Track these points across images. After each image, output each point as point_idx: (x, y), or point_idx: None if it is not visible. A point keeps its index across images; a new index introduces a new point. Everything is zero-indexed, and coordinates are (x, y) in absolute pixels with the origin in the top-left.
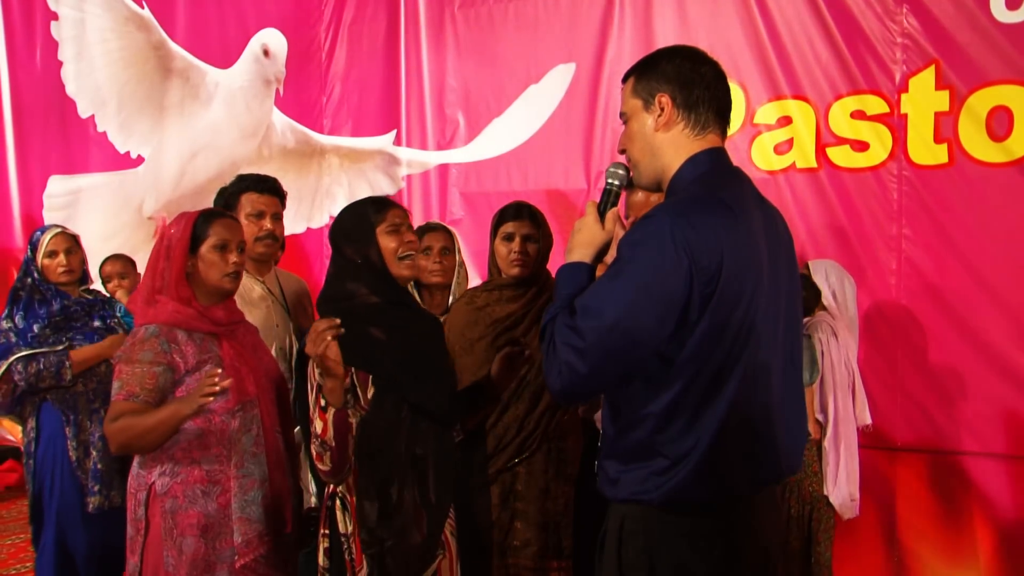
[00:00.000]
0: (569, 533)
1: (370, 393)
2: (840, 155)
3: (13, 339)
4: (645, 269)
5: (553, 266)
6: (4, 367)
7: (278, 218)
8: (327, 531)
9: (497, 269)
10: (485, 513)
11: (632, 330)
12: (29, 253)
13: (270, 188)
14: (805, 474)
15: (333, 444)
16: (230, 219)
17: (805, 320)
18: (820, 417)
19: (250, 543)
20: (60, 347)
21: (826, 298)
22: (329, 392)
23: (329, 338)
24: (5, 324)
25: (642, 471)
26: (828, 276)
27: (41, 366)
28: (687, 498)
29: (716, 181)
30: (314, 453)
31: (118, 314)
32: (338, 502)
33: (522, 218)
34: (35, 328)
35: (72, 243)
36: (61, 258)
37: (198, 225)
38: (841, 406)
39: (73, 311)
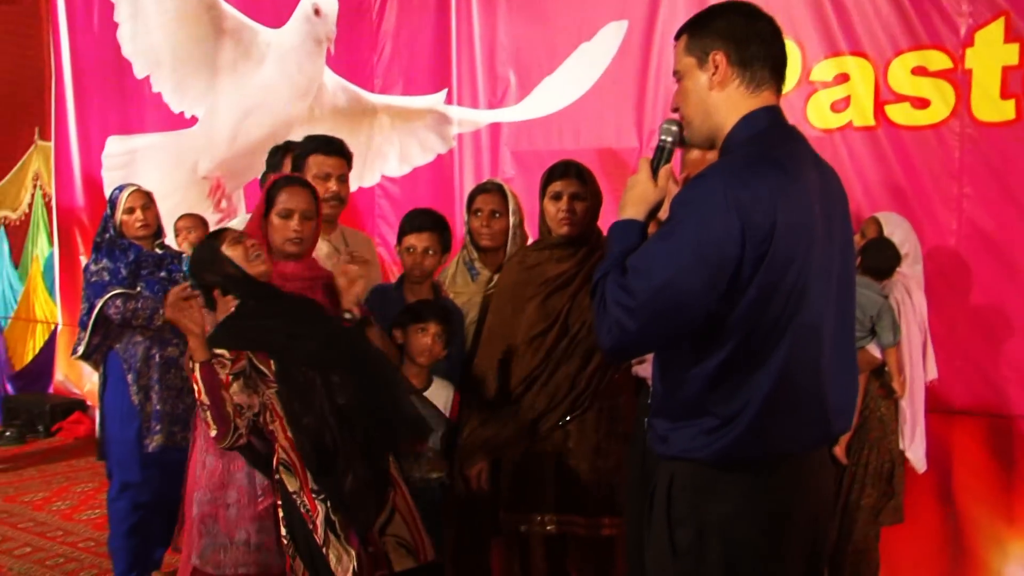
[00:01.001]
0: (621, 490)
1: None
2: (899, 112)
3: (107, 278)
4: (697, 229)
5: (603, 224)
6: (103, 300)
7: (343, 180)
8: (280, 501)
9: (547, 228)
10: (538, 471)
11: (683, 290)
12: (108, 210)
13: (336, 150)
14: (885, 433)
15: (208, 401)
16: (300, 187)
17: (883, 281)
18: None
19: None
20: (132, 291)
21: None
22: (193, 350)
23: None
24: (94, 267)
25: (691, 429)
26: (900, 232)
27: (139, 306)
28: (737, 456)
29: (771, 140)
30: (204, 422)
31: (183, 269)
32: (283, 468)
33: (570, 177)
34: (123, 271)
35: (147, 200)
36: (138, 214)
37: (271, 190)
38: (915, 365)
39: (144, 262)
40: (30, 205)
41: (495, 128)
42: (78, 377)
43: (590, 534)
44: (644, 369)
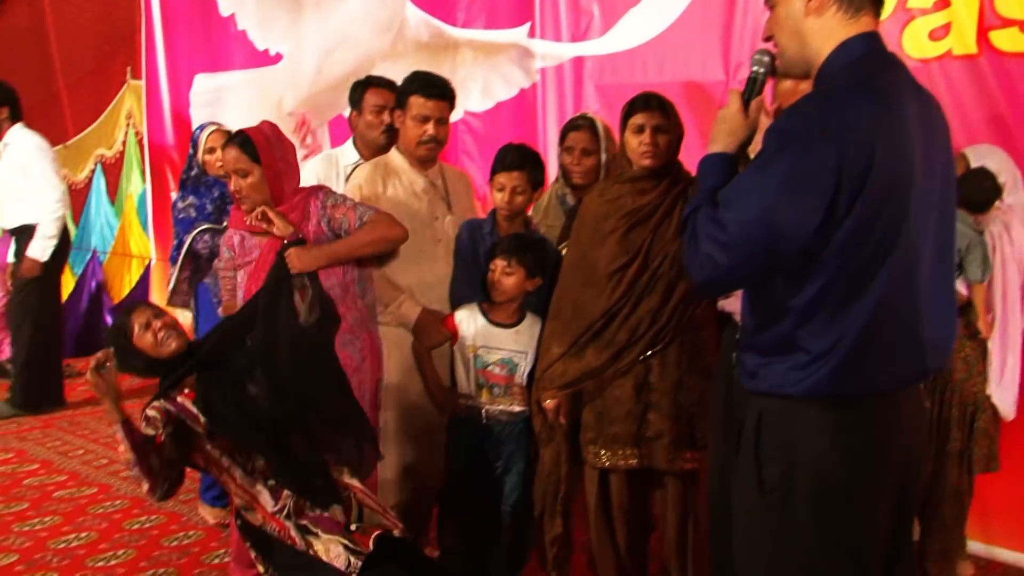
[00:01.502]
0: (704, 425)
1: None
2: (1005, 39)
3: (194, 214)
4: (792, 161)
5: (684, 158)
6: (192, 236)
7: (443, 122)
8: (251, 542)
9: (628, 161)
10: (619, 405)
11: (777, 224)
12: (191, 149)
13: (437, 93)
14: (969, 374)
15: (133, 459)
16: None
17: (980, 216)
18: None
19: None
20: (219, 226)
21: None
22: (107, 413)
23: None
24: (182, 203)
25: (782, 365)
26: (994, 161)
27: None
28: (828, 393)
29: (869, 68)
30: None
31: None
32: (242, 511)
33: (651, 109)
34: (209, 207)
35: (227, 138)
36: (218, 153)
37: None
38: (1010, 305)
39: (229, 197)
40: (124, 143)
41: (579, 62)
42: (172, 310)
43: (671, 468)
44: (730, 304)
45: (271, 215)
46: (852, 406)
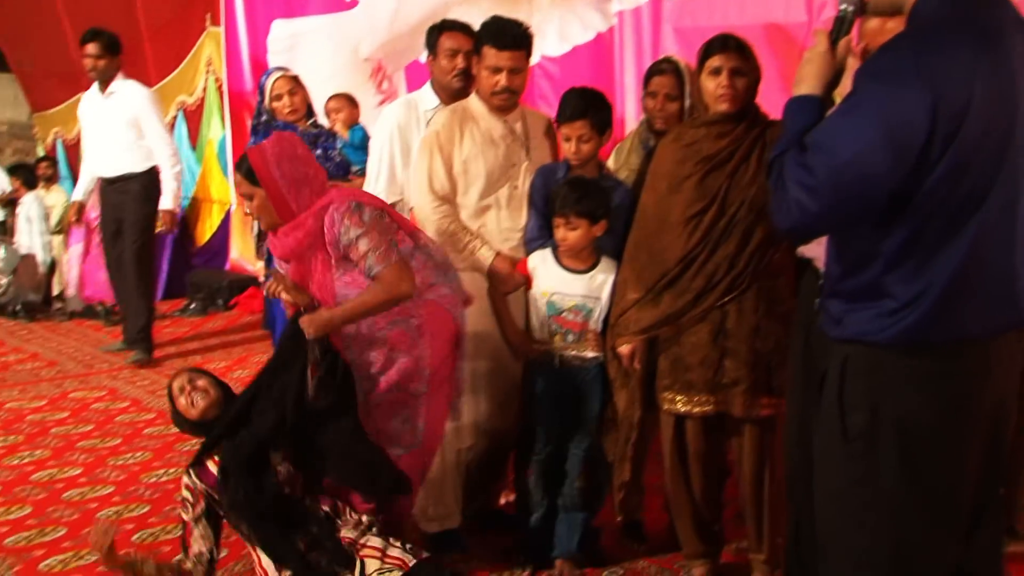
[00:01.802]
0: (781, 371)
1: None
2: None
3: None
4: (883, 103)
5: (763, 102)
6: None
7: (517, 71)
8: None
9: (704, 105)
10: (695, 352)
11: (867, 168)
12: (259, 96)
13: (510, 43)
14: None
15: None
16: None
17: None
18: None
19: None
20: None
21: None
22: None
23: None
24: None
25: (868, 311)
26: None
27: None
28: (917, 340)
29: (967, 3)
30: None
31: (338, 146)
32: None
33: (729, 51)
34: None
35: (294, 84)
36: (286, 100)
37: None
38: None
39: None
40: (204, 90)
41: (657, 4)
42: (251, 255)
43: (747, 415)
44: (809, 249)
45: (282, 291)
46: (941, 354)
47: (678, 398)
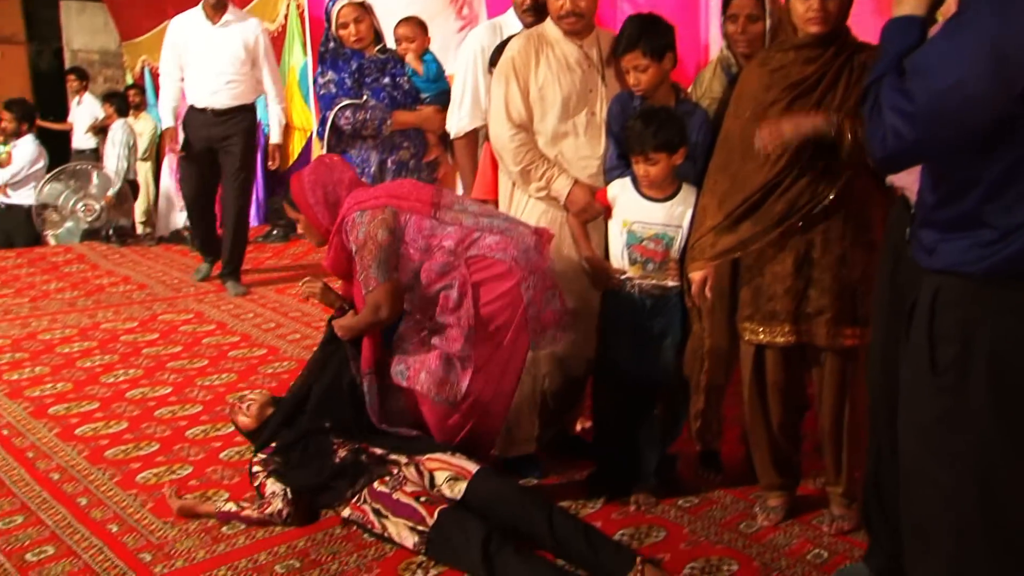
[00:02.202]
0: (866, 301)
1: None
2: None
3: (333, 90)
4: (991, 23)
5: (854, 25)
6: (334, 112)
7: None
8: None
9: (793, 27)
10: (778, 282)
11: (971, 93)
12: (326, 23)
13: None
14: None
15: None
16: None
17: None
18: None
19: None
20: (359, 100)
21: None
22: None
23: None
24: (321, 79)
25: (964, 241)
26: None
27: (367, 116)
28: (1014, 272)
29: None
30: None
31: (406, 73)
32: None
33: None
34: (348, 81)
35: (360, 11)
36: (351, 28)
37: None
38: None
39: (367, 69)
40: (285, 16)
41: None
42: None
43: (831, 345)
44: (899, 178)
45: (313, 296)
46: None
47: (759, 328)
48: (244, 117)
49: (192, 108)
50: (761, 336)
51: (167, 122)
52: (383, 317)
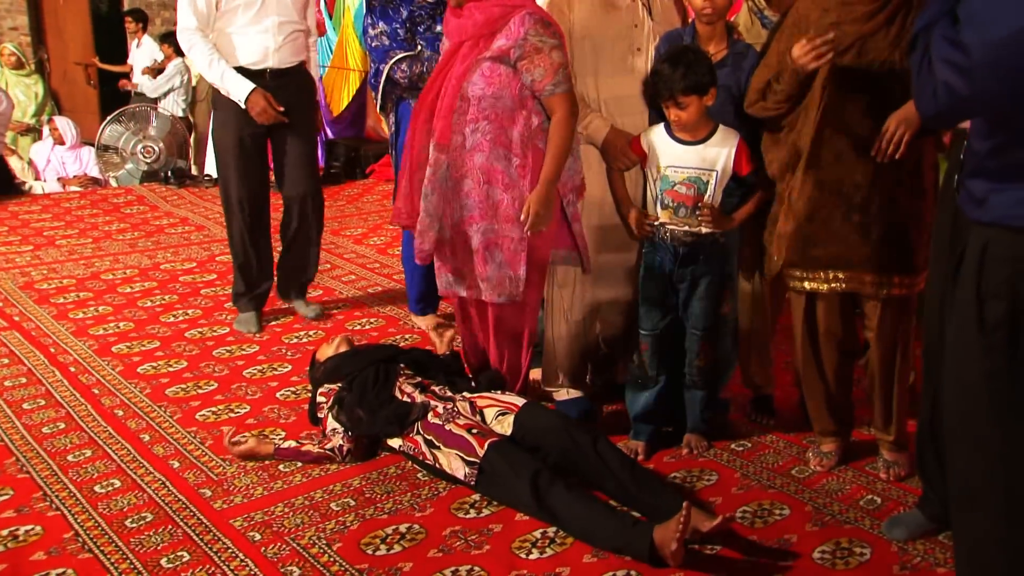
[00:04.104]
0: (917, 249)
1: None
2: None
3: (387, 42)
4: None
5: None
6: (389, 66)
7: None
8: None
9: None
10: (825, 228)
11: None
12: None
13: None
14: None
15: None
16: None
17: None
18: None
19: None
20: (414, 52)
21: None
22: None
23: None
24: (372, 31)
25: (1017, 193)
26: None
27: (424, 68)
28: None
29: None
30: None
31: None
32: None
33: None
34: (400, 32)
35: None
36: None
37: None
38: None
39: (418, 17)
40: None
41: None
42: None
43: (877, 293)
44: None
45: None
46: None
47: (807, 276)
48: (306, 76)
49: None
50: (809, 284)
51: (245, 88)
52: (575, 121)
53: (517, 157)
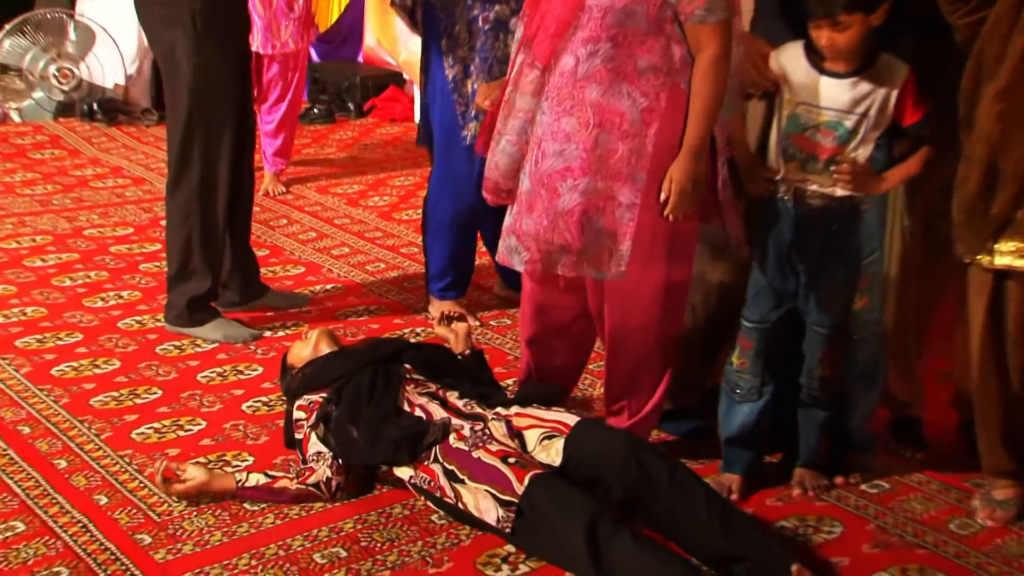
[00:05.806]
0: None
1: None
2: None
3: None
4: None
5: None
6: None
7: None
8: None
9: None
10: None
11: None
12: None
13: None
14: None
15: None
16: None
17: None
18: None
19: None
20: None
21: None
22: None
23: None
24: None
25: None
26: None
27: None
28: None
29: None
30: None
31: None
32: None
33: None
34: None
35: None
36: None
37: None
38: None
39: None
40: None
41: None
42: (392, 42)
43: None
44: None
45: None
46: None
47: (1004, 247)
48: None
49: None
50: (1001, 259)
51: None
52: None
53: (646, 98)
